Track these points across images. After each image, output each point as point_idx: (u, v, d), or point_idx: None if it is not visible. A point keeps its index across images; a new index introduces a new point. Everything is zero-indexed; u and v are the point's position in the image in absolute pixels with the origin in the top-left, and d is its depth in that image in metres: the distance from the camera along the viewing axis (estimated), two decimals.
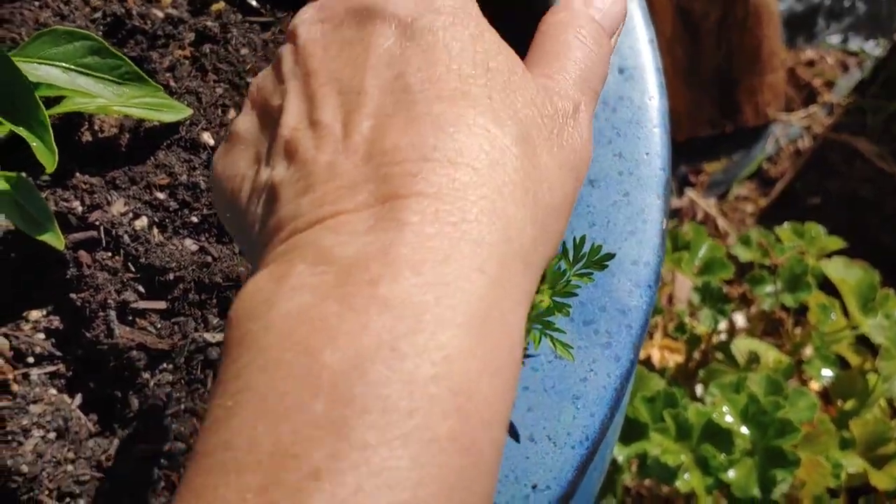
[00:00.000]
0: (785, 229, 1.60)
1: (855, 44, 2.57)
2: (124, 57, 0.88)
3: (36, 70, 0.86)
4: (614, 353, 0.83)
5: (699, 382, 1.53)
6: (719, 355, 1.53)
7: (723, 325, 1.58)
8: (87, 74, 0.87)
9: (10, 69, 0.76)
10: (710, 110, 2.45)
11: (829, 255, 1.58)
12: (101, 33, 1.08)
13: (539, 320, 0.80)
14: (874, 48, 2.55)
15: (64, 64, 0.87)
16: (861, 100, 2.47)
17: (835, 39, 2.56)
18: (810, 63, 2.56)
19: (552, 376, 0.83)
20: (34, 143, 0.79)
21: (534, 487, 0.79)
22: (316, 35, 0.62)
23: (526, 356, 0.83)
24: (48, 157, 0.80)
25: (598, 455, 1.11)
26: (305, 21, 0.64)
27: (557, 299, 0.79)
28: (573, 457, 0.80)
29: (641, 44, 0.95)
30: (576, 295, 0.79)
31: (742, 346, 1.50)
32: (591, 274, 0.79)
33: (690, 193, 2.46)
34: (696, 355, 1.57)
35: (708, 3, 2.33)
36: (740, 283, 1.76)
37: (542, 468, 0.79)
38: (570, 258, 0.79)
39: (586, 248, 0.79)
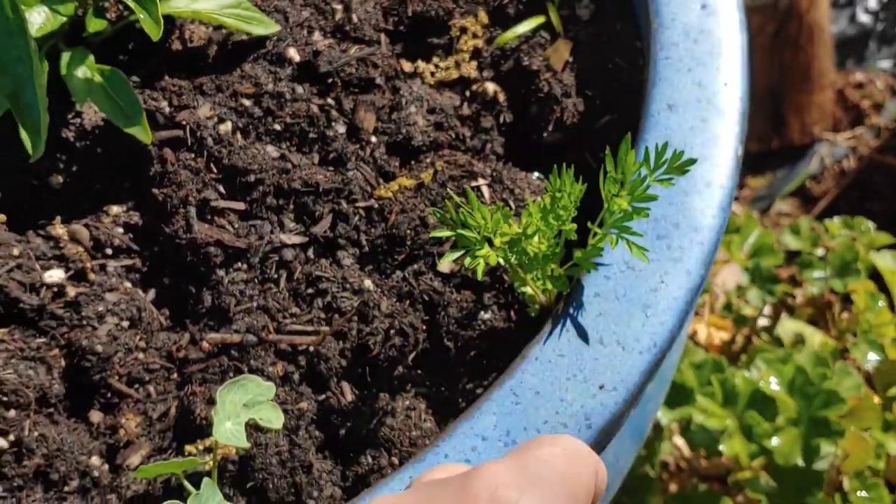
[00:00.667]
0: (834, 222, 1.61)
1: None
2: None
3: None
4: (685, 267, 0.85)
5: (742, 364, 1.54)
6: (764, 336, 1.53)
7: (768, 310, 1.58)
8: None
9: None
10: (760, 125, 2.47)
11: (878, 249, 1.59)
12: None
13: (617, 224, 0.82)
14: None
15: None
16: None
17: (885, 64, 2.58)
18: (859, 85, 2.57)
19: (623, 285, 0.84)
20: (141, 15, 0.82)
21: (601, 387, 0.80)
22: None
23: (599, 265, 0.85)
24: (153, 28, 0.83)
25: (650, 403, 1.13)
26: None
27: (636, 204, 0.81)
28: (640, 362, 0.82)
29: None
30: (655, 199, 0.81)
31: (788, 328, 1.51)
32: (672, 179, 0.81)
33: (734, 207, 2.47)
34: (740, 339, 1.58)
35: (764, 17, 2.36)
36: (788, 268, 1.77)
37: (609, 370, 0.81)
38: (651, 164, 0.81)
39: (668, 155, 0.81)
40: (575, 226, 0.82)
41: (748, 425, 1.27)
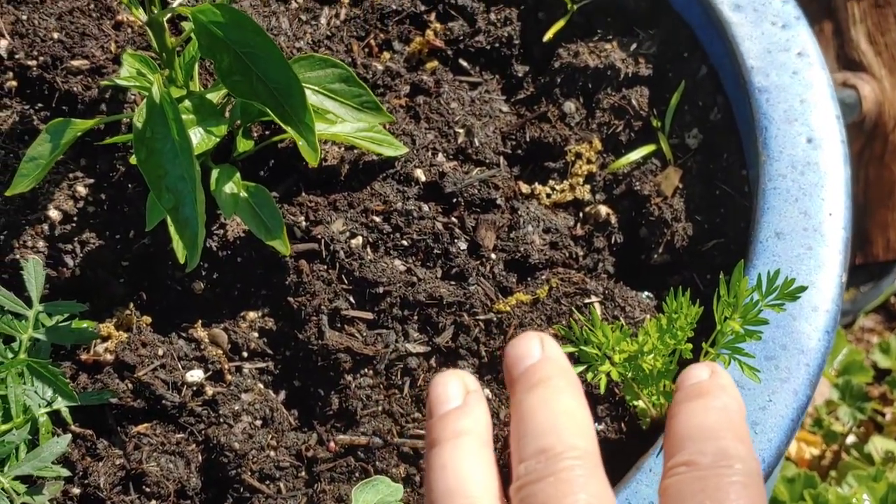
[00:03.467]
0: None
1: None
2: (366, 87, 0.99)
3: None
4: (792, 387, 0.90)
5: (830, 480, 1.56)
6: (854, 453, 1.56)
7: (857, 427, 1.61)
8: (334, 99, 0.99)
9: (287, 73, 0.87)
10: None
11: None
12: None
13: (729, 346, 0.87)
14: None
15: (315, 87, 0.98)
16: None
17: None
18: None
19: None
20: (300, 142, 0.89)
21: None
22: None
23: None
24: (312, 155, 0.90)
25: None
26: None
27: (748, 327, 0.86)
28: None
29: (828, 118, 1.03)
30: (766, 322, 0.86)
31: (879, 445, 1.54)
32: (783, 304, 0.86)
33: None
34: (829, 455, 1.60)
35: (850, 136, 2.41)
36: (878, 387, 1.80)
37: None
38: (763, 290, 0.86)
39: (779, 282, 0.86)
40: (690, 345, 0.87)
41: None
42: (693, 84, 1.14)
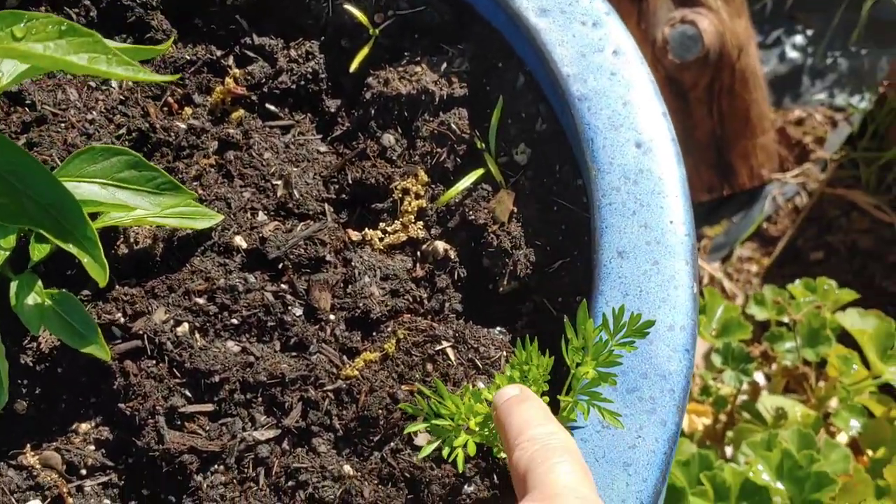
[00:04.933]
0: (797, 286, 1.62)
1: (840, 99, 2.62)
2: (159, 168, 0.91)
3: (77, 188, 0.89)
4: (660, 417, 0.85)
5: (728, 443, 1.54)
6: (745, 415, 1.54)
7: (745, 386, 1.59)
8: (126, 188, 0.90)
9: (56, 188, 0.78)
10: (708, 176, 2.49)
11: (843, 308, 1.60)
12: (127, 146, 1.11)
13: (585, 391, 0.82)
14: (860, 102, 2.60)
15: (102, 180, 0.90)
16: (853, 153, 2.52)
17: (820, 96, 2.61)
18: (799, 122, 2.60)
19: (602, 446, 0.84)
20: (85, 259, 0.81)
21: None
22: None
23: (575, 428, 0.85)
24: (99, 273, 0.82)
25: None
26: None
27: (602, 369, 0.82)
28: None
29: (655, 117, 0.98)
30: (619, 364, 0.81)
31: (769, 403, 1.51)
32: (633, 342, 0.81)
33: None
34: (723, 417, 1.58)
35: (696, 71, 2.38)
36: (758, 342, 1.78)
37: None
38: (611, 328, 0.81)
39: (626, 318, 0.81)
40: (547, 398, 0.82)
41: None
42: (512, 96, 1.08)
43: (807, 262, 2.47)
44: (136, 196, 0.91)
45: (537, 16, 1.03)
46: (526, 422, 0.79)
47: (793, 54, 2.71)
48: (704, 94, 2.45)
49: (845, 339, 1.58)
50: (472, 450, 0.81)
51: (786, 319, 1.57)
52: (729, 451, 1.58)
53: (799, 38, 2.72)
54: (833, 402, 1.56)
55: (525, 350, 0.83)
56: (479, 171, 1.05)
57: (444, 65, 1.11)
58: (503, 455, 0.88)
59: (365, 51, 1.13)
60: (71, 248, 0.79)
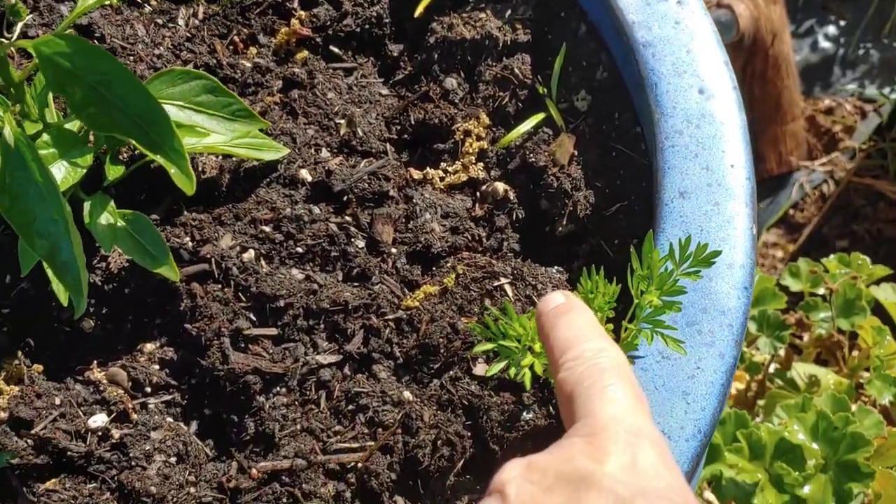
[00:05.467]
0: (831, 260, 1.64)
1: (871, 90, 2.63)
2: (235, 95, 0.93)
3: None
4: (718, 350, 0.87)
5: (759, 411, 1.56)
6: (778, 381, 1.56)
7: (780, 352, 1.61)
8: (202, 112, 0.93)
9: (147, 100, 0.80)
10: None
11: (878, 282, 1.63)
12: None
13: (649, 319, 0.84)
14: (890, 93, 2.61)
15: (180, 102, 0.92)
16: (881, 143, 2.53)
17: (851, 87, 2.62)
18: (829, 111, 2.62)
19: (661, 375, 0.86)
20: (172, 170, 0.83)
21: None
22: (525, 496, 0.66)
23: (636, 357, 0.87)
24: (186, 183, 0.84)
25: (694, 480, 1.15)
26: (514, 479, 0.67)
27: (666, 298, 0.84)
28: (688, 449, 0.84)
29: (717, 65, 1.00)
30: (684, 292, 0.83)
31: (802, 370, 1.53)
32: (699, 271, 0.83)
33: None
34: (754, 385, 1.60)
35: (730, 55, 2.40)
36: (791, 311, 1.80)
37: None
38: (676, 258, 0.83)
39: (692, 248, 0.83)
40: (611, 325, 0.84)
41: (778, 476, 1.30)
42: (575, 44, 1.10)
43: (832, 249, 2.48)
44: (211, 120, 0.93)
45: None
46: (575, 337, 0.76)
47: (825, 44, 2.72)
48: (737, 78, 2.46)
49: (878, 312, 1.60)
50: (538, 369, 0.83)
51: (820, 291, 1.59)
52: (758, 419, 1.60)
53: (832, 28, 2.73)
54: (865, 374, 1.58)
55: (591, 279, 0.85)
56: (541, 116, 1.07)
57: (509, 12, 1.13)
58: None
59: None
60: (159, 159, 0.82)
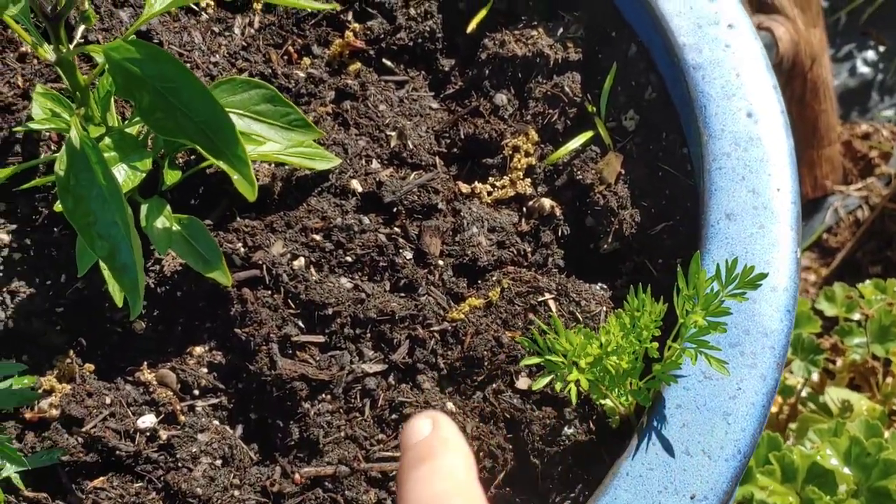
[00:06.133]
0: (867, 286, 1.65)
1: None
2: (293, 105, 0.95)
3: None
4: (760, 372, 0.88)
5: (790, 434, 1.57)
6: (811, 405, 1.57)
7: (814, 376, 1.61)
8: (261, 120, 0.94)
9: (212, 107, 0.82)
10: None
11: None
12: None
13: (693, 339, 0.85)
14: None
15: (240, 110, 0.94)
16: None
17: (888, 113, 2.63)
18: (866, 136, 2.62)
19: (703, 395, 0.88)
20: (235, 177, 0.86)
21: (692, 497, 0.83)
22: None
23: (678, 376, 0.88)
24: (248, 190, 0.86)
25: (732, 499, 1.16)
26: None
27: (711, 318, 0.85)
28: (727, 469, 0.85)
29: (766, 89, 1.01)
30: (729, 314, 0.84)
31: (835, 395, 1.54)
32: (744, 293, 0.85)
33: None
34: (786, 408, 1.61)
35: None
36: (826, 336, 1.81)
37: (698, 480, 0.84)
38: (723, 279, 0.85)
39: (738, 270, 0.84)
40: (656, 344, 0.85)
41: (810, 500, 1.30)
42: (624, 64, 1.11)
43: (865, 275, 2.48)
44: (269, 129, 0.95)
45: None
46: (428, 501, 0.64)
47: (864, 69, 2.73)
48: None
49: None
50: (584, 385, 0.84)
51: (855, 316, 1.60)
52: (790, 442, 1.60)
53: (871, 54, 2.74)
54: None
55: (637, 298, 0.86)
56: (589, 134, 1.09)
57: (560, 30, 1.15)
58: (604, 401, 0.92)
59: (483, 13, 1.17)
60: (222, 165, 0.83)
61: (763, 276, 0.83)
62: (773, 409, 1.63)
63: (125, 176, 0.93)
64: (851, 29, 2.78)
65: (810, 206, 2.60)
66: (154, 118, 0.83)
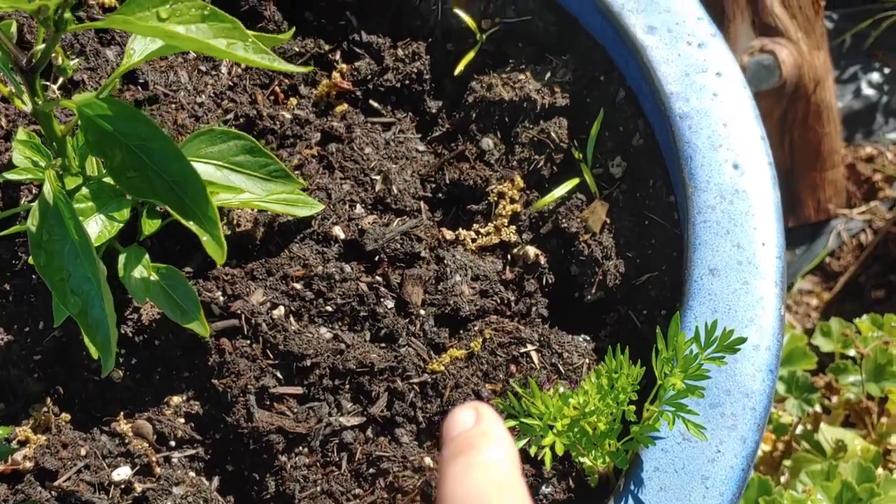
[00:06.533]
0: (863, 321, 1.63)
1: None
2: (272, 155, 0.94)
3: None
4: (740, 434, 0.87)
5: (783, 472, 1.55)
6: (804, 444, 1.55)
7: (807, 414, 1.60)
8: (239, 171, 0.93)
9: (183, 166, 0.81)
10: None
11: None
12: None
13: (672, 402, 0.84)
14: None
15: (218, 162, 0.93)
16: None
17: (893, 135, 2.61)
18: (870, 159, 2.60)
19: (681, 457, 0.86)
20: (204, 238, 0.84)
21: None
22: None
23: (656, 438, 0.87)
24: (217, 252, 0.85)
25: None
26: None
27: (689, 382, 0.83)
28: None
29: (753, 140, 1.00)
30: (708, 377, 0.83)
31: (829, 435, 1.52)
32: (723, 357, 0.83)
33: None
34: (780, 445, 1.59)
35: (772, 101, 2.39)
36: (821, 373, 1.79)
37: None
38: (702, 342, 0.83)
39: (717, 333, 0.83)
40: (633, 407, 0.84)
41: None
42: (612, 109, 1.10)
43: (868, 299, 2.46)
44: (247, 180, 0.94)
45: (644, 33, 1.05)
46: (466, 496, 0.61)
47: (868, 91, 2.71)
48: (778, 124, 2.45)
49: None
50: (559, 450, 0.83)
51: (851, 353, 1.58)
52: (783, 479, 1.59)
53: (876, 76, 2.72)
54: (894, 439, 1.56)
55: (616, 358, 0.85)
56: (575, 181, 1.08)
57: (548, 74, 1.14)
58: (582, 459, 0.91)
59: (471, 55, 1.16)
60: (191, 226, 0.82)
61: (741, 340, 0.82)
62: (767, 448, 1.61)
63: (101, 227, 0.92)
64: (856, 50, 2.76)
65: (813, 229, 2.59)
66: (126, 176, 0.82)
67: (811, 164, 2.51)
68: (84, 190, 0.92)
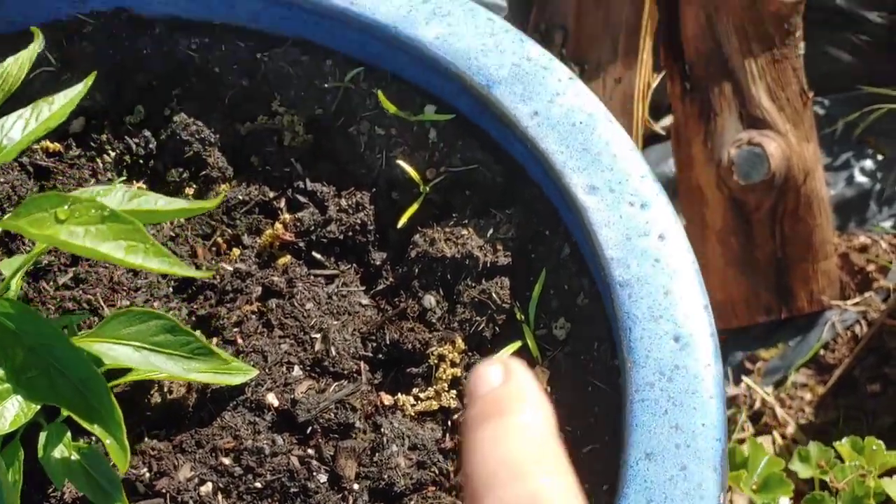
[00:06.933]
0: (844, 445, 1.59)
1: None
2: (194, 333, 0.91)
3: (111, 350, 0.89)
4: None
5: None
6: None
7: None
8: (160, 352, 0.91)
9: (86, 366, 0.79)
10: (766, 297, 2.45)
11: (890, 473, 1.57)
12: (171, 289, 1.12)
13: None
14: None
15: (137, 343, 0.90)
16: None
17: (887, 224, 2.57)
18: (863, 248, 2.56)
19: None
20: (107, 441, 0.82)
21: None
22: None
23: None
24: (120, 458, 0.83)
25: None
26: None
27: None
28: None
29: (696, 310, 0.96)
30: None
31: None
32: None
33: (747, 381, 2.45)
34: None
35: (760, 194, 2.35)
36: (798, 499, 1.75)
37: None
38: None
39: None
40: None
41: None
42: (556, 267, 1.07)
43: (863, 393, 2.42)
44: (168, 360, 0.91)
45: (586, 193, 1.02)
46: (499, 464, 0.52)
47: (861, 178, 2.68)
48: (767, 216, 2.43)
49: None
50: None
51: (828, 479, 1.54)
52: None
53: (868, 163, 2.69)
54: None
55: None
56: (517, 344, 1.05)
57: (491, 230, 1.10)
58: None
59: (414, 207, 1.13)
60: (95, 430, 0.80)
61: None
62: None
63: (17, 410, 0.89)
64: (848, 137, 2.73)
65: (806, 321, 2.55)
66: (27, 377, 0.80)
67: (803, 255, 2.47)
68: (1, 371, 0.90)
